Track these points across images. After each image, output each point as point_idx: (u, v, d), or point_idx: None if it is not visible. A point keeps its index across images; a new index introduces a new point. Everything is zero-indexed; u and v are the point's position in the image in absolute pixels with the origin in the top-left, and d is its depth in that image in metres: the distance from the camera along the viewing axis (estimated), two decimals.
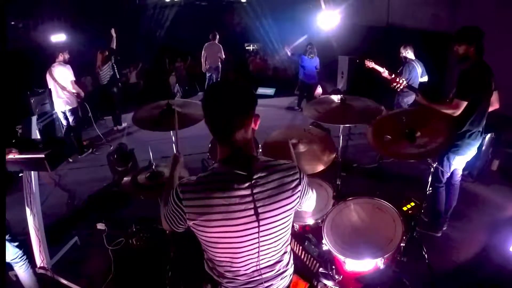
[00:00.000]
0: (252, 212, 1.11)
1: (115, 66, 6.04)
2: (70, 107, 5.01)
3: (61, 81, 4.83)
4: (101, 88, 6.26)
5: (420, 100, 2.72)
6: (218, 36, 7.69)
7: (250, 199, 1.11)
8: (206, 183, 1.13)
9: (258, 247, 1.18)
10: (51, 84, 4.83)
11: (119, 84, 6.39)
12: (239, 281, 1.26)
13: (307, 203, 1.33)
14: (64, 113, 5.07)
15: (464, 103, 2.47)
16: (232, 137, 1.10)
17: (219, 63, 7.81)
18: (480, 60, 2.49)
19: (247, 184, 1.10)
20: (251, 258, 1.21)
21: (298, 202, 1.21)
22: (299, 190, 1.20)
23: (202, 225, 1.13)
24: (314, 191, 1.36)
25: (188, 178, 1.17)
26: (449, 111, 2.50)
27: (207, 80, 8.04)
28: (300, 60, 6.89)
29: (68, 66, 4.91)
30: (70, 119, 5.10)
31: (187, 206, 1.12)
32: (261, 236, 1.16)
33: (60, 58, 4.86)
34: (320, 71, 7.04)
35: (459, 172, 2.89)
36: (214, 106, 1.10)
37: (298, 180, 1.19)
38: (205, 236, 1.16)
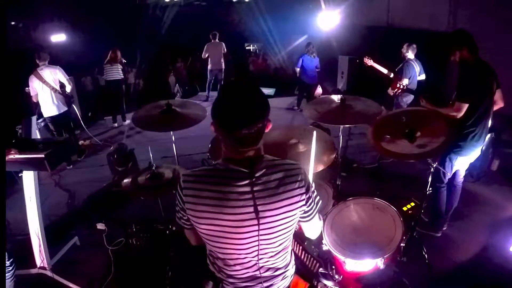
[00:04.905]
0: (251, 209, 1.11)
1: (122, 71, 6.26)
2: (61, 111, 4.72)
3: (54, 83, 4.56)
4: (106, 85, 6.29)
5: (425, 105, 2.73)
6: (218, 35, 7.69)
7: (249, 196, 1.10)
8: (207, 176, 1.15)
9: (258, 245, 1.18)
10: (40, 88, 4.47)
11: (124, 85, 6.56)
12: (239, 278, 1.26)
13: (310, 224, 1.31)
14: (53, 118, 4.72)
15: (465, 105, 2.46)
16: (247, 146, 1.10)
17: (223, 64, 7.77)
18: (478, 60, 2.49)
19: (247, 181, 1.10)
20: (250, 256, 1.21)
21: (302, 206, 1.18)
22: (304, 193, 1.17)
23: (198, 216, 1.14)
24: (321, 219, 1.35)
25: (193, 170, 1.19)
26: (451, 114, 2.50)
27: (208, 81, 8.01)
28: (301, 60, 6.79)
29: (58, 66, 4.66)
30: (62, 123, 4.88)
31: (186, 195, 1.14)
32: (261, 235, 1.16)
33: (44, 61, 4.53)
34: (320, 71, 7.02)
35: (462, 173, 2.88)
36: (233, 116, 1.04)
37: (302, 182, 1.16)
38: (203, 229, 1.17)
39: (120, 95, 6.41)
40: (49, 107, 4.64)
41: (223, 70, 7.85)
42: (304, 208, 1.21)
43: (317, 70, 6.89)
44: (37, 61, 4.54)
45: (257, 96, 1.08)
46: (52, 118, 4.76)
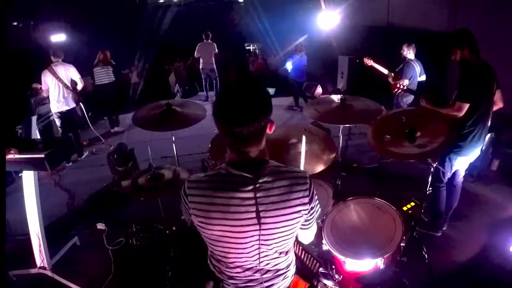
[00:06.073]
0: (254, 215, 1.11)
1: (112, 74, 6.15)
2: (71, 107, 4.90)
3: (67, 80, 4.73)
4: (97, 88, 6.27)
5: (425, 105, 2.73)
6: (211, 35, 7.75)
7: (252, 202, 1.10)
8: (210, 182, 1.14)
9: (259, 249, 1.18)
10: (52, 84, 4.65)
11: (115, 88, 6.37)
12: (240, 279, 1.26)
13: (307, 232, 1.31)
14: (62, 113, 4.88)
15: (466, 105, 2.46)
16: (255, 146, 1.10)
17: (214, 64, 7.83)
18: (479, 60, 2.49)
19: (250, 187, 1.09)
20: (251, 259, 1.21)
21: (303, 215, 1.18)
22: (307, 203, 1.16)
23: (202, 221, 1.14)
24: (316, 225, 1.35)
25: (197, 175, 1.19)
26: (452, 114, 2.49)
27: (203, 80, 8.08)
28: (291, 59, 6.94)
29: (72, 65, 4.83)
30: (68, 120, 4.97)
31: (191, 202, 1.14)
32: (262, 240, 1.16)
33: (58, 58, 4.70)
34: (320, 71, 7.06)
35: (462, 173, 2.88)
36: (232, 116, 1.03)
37: (307, 192, 1.15)
38: (206, 233, 1.18)
39: (112, 98, 6.25)
40: (60, 102, 4.80)
41: (214, 70, 7.91)
42: (306, 217, 1.20)
43: (304, 68, 7.07)
44: (52, 58, 4.71)
45: (257, 96, 1.07)
46: (60, 114, 4.89)
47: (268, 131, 1.12)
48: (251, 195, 1.10)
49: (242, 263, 1.21)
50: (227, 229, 1.13)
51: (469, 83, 2.46)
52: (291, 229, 1.18)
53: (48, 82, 4.66)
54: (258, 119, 1.04)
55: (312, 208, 1.20)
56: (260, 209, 1.10)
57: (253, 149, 1.11)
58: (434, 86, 4.93)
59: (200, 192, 1.13)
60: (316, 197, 1.21)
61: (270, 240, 1.17)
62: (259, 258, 1.20)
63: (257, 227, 1.12)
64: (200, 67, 7.88)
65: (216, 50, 7.77)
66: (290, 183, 1.13)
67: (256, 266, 1.23)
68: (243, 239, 1.14)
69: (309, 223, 1.26)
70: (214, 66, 7.86)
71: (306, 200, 1.15)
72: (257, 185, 1.10)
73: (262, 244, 1.17)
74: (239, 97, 1.06)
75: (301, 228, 1.27)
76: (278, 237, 1.17)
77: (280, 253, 1.25)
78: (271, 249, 1.20)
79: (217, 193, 1.11)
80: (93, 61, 6.12)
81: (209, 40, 7.74)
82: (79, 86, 4.94)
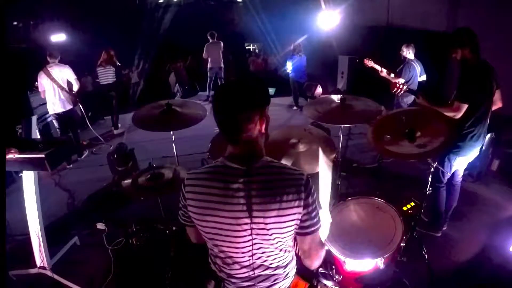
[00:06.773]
0: (245, 207, 1.11)
1: (115, 74, 6.07)
2: (67, 109, 4.83)
3: (61, 81, 4.68)
4: (99, 88, 6.25)
5: (422, 102, 2.72)
6: (216, 35, 7.82)
7: (243, 194, 1.11)
8: (206, 173, 1.18)
9: (252, 245, 1.18)
10: (48, 85, 4.61)
11: (117, 88, 6.29)
12: (240, 277, 1.26)
13: (306, 243, 1.22)
14: (59, 115, 4.83)
15: (465, 106, 2.45)
16: (237, 137, 1.12)
17: (222, 63, 7.91)
18: (479, 60, 2.49)
19: (242, 180, 1.11)
20: (247, 255, 1.21)
21: (297, 213, 1.13)
22: (302, 199, 1.12)
23: (197, 212, 1.17)
24: (323, 245, 1.28)
25: (197, 168, 1.23)
26: (450, 114, 2.48)
27: (208, 80, 8.09)
28: (291, 60, 6.98)
29: (67, 66, 4.78)
30: (66, 121, 4.93)
31: (188, 192, 1.19)
32: (254, 234, 1.15)
33: (54, 59, 4.65)
34: (321, 71, 7.06)
35: (460, 173, 2.88)
36: (219, 103, 1.11)
37: (302, 187, 1.12)
38: (202, 226, 1.19)
39: (113, 100, 6.18)
40: (55, 104, 4.75)
41: (222, 68, 7.97)
42: (300, 216, 1.14)
43: (304, 67, 7.13)
44: (48, 59, 4.66)
45: (245, 90, 1.12)
46: (57, 115, 4.86)
47: (258, 127, 1.13)
48: (242, 186, 1.12)
49: (239, 259, 1.22)
50: (220, 220, 1.14)
51: (469, 83, 2.46)
52: (285, 226, 1.15)
53: (43, 83, 4.61)
54: (239, 111, 1.08)
55: (308, 212, 1.15)
56: (252, 201, 1.11)
57: (241, 141, 1.12)
58: (434, 86, 4.93)
59: (196, 183, 1.18)
60: (314, 198, 1.17)
61: (263, 236, 1.16)
62: (252, 255, 1.20)
63: (249, 220, 1.13)
64: (209, 66, 7.91)
65: (222, 48, 7.85)
66: (283, 178, 1.14)
67: (253, 263, 1.23)
68: (237, 232, 1.15)
69: (306, 228, 1.17)
70: (222, 64, 7.93)
71: (302, 196, 1.12)
72: (250, 178, 1.12)
73: (255, 239, 1.17)
74: (228, 90, 1.15)
75: (299, 234, 1.19)
76: (272, 233, 1.16)
77: (280, 250, 1.23)
78: (267, 246, 1.19)
79: (211, 183, 1.15)
80: (93, 60, 6.10)
81: (215, 39, 7.82)
82: (75, 88, 4.87)
